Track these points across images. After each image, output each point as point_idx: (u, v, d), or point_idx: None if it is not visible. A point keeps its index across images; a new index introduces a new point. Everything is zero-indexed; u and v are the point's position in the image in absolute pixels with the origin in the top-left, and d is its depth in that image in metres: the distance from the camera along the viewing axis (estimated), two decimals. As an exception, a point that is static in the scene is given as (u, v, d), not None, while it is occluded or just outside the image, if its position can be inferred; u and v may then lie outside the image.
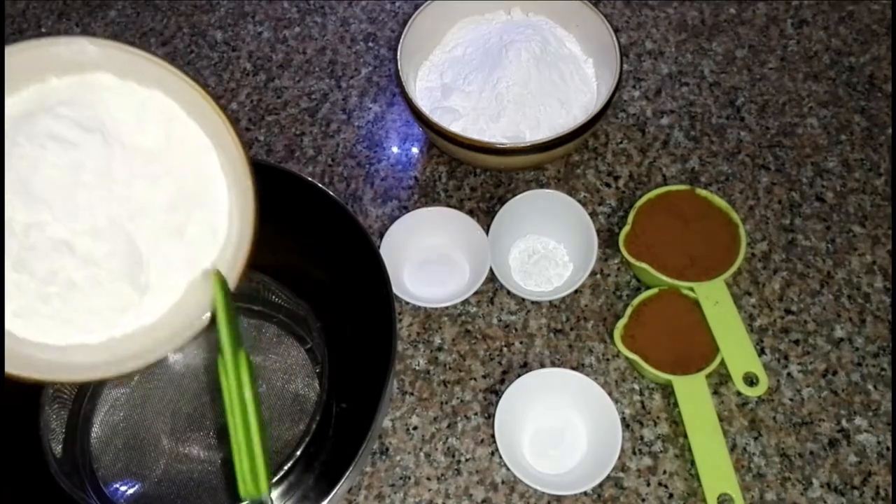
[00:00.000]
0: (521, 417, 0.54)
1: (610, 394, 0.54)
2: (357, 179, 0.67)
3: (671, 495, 0.53)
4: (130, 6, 0.80)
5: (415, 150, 0.69)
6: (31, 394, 0.49)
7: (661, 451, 0.54)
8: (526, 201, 0.61)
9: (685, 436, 0.54)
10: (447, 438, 0.55)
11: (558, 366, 0.58)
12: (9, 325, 0.36)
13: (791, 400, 0.56)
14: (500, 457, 0.53)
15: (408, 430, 0.56)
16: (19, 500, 0.48)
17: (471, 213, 0.64)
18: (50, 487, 0.46)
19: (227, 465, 0.49)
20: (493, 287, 0.61)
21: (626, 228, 0.60)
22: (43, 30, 0.79)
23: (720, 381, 0.57)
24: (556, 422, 0.55)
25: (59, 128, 0.36)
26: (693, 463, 0.53)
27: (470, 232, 0.61)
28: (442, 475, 0.54)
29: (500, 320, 0.60)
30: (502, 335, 0.59)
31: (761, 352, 0.58)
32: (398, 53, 0.63)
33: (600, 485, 0.53)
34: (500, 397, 0.54)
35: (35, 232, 0.35)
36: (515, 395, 0.54)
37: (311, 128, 0.71)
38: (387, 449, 0.55)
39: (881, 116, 0.69)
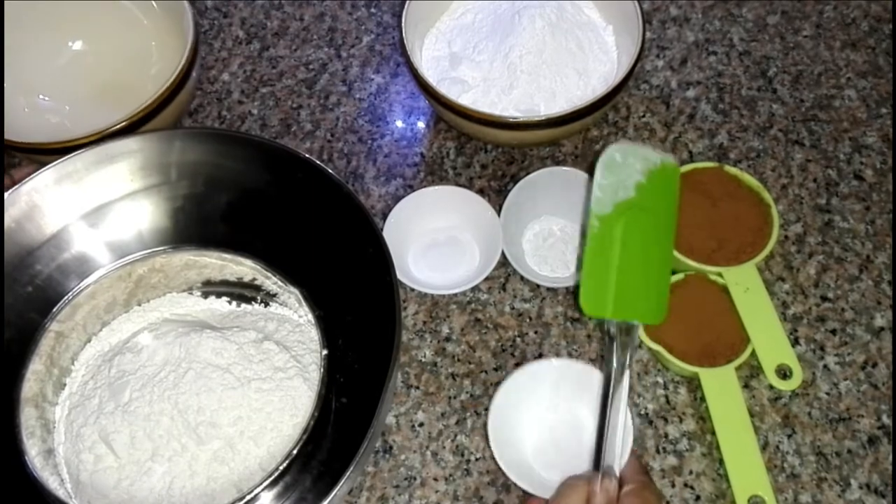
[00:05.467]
0: (520, 418, 0.52)
1: (631, 388, 0.53)
2: (358, 156, 0.66)
3: (698, 497, 0.52)
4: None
5: (421, 124, 0.68)
6: (7, 392, 0.48)
7: (686, 450, 0.53)
8: (541, 180, 0.60)
9: (713, 433, 0.52)
10: (455, 436, 0.54)
11: (576, 357, 0.56)
12: None
13: (827, 394, 0.55)
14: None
15: (413, 426, 0.55)
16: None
17: (481, 192, 0.62)
18: (29, 488, 0.46)
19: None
20: (505, 272, 0.60)
21: (650, 209, 0.58)
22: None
23: (751, 373, 0.55)
24: (568, 420, 0.53)
25: None
26: (721, 462, 0.52)
27: (480, 213, 0.60)
28: (450, 475, 0.53)
29: (512, 308, 0.59)
30: (515, 324, 0.58)
31: (795, 342, 0.57)
32: (403, 20, 0.62)
33: (621, 486, 0.51)
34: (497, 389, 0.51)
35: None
36: (518, 388, 0.52)
37: (309, 100, 0.69)
38: (390, 447, 0.54)
39: (924, 88, 0.68)
